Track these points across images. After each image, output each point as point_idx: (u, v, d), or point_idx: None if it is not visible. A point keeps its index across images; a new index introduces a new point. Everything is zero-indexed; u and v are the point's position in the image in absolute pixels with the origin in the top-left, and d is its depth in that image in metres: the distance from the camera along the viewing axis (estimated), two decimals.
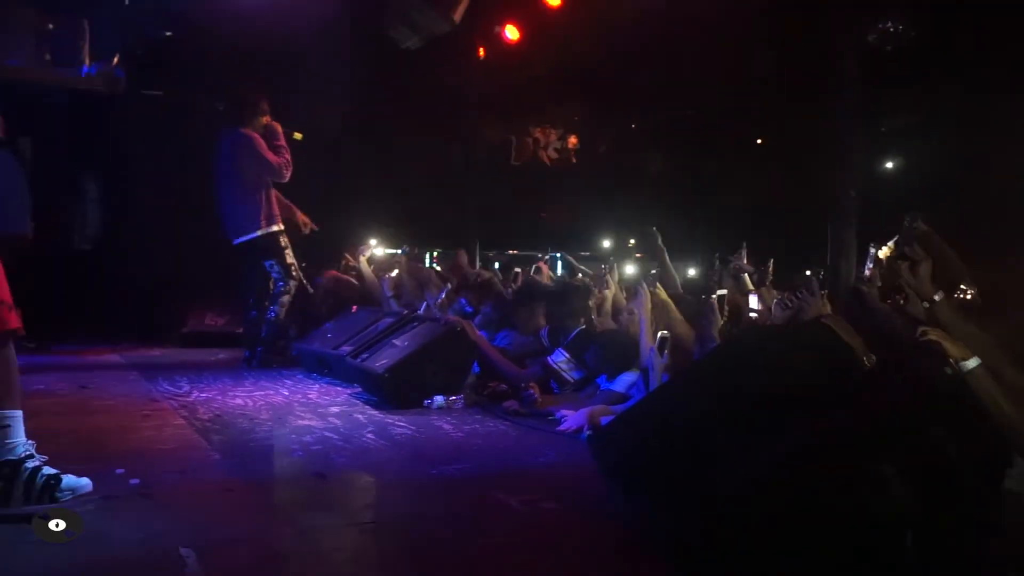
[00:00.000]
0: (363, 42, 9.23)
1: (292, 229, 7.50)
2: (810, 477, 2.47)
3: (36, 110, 8.40)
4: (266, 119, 7.11)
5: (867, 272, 4.92)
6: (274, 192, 7.14)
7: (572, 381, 5.29)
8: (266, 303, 7.11)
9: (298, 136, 7.26)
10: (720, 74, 9.62)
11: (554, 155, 14.48)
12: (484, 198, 12.56)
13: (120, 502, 3.11)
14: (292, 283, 7.11)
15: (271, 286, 7.13)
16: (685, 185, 13.38)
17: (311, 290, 7.63)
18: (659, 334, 4.50)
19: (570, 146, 14.72)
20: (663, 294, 5.06)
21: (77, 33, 8.99)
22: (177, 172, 8.04)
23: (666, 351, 4.42)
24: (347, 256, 8.71)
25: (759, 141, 13.11)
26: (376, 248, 8.89)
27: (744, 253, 6.47)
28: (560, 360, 5.32)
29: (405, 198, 11.15)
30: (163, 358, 7.43)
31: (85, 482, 3.11)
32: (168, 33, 9.79)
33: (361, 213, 10.45)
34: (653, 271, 5.03)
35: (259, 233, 7.01)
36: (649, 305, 4.86)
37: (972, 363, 2.66)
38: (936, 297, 4.17)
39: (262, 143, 7.00)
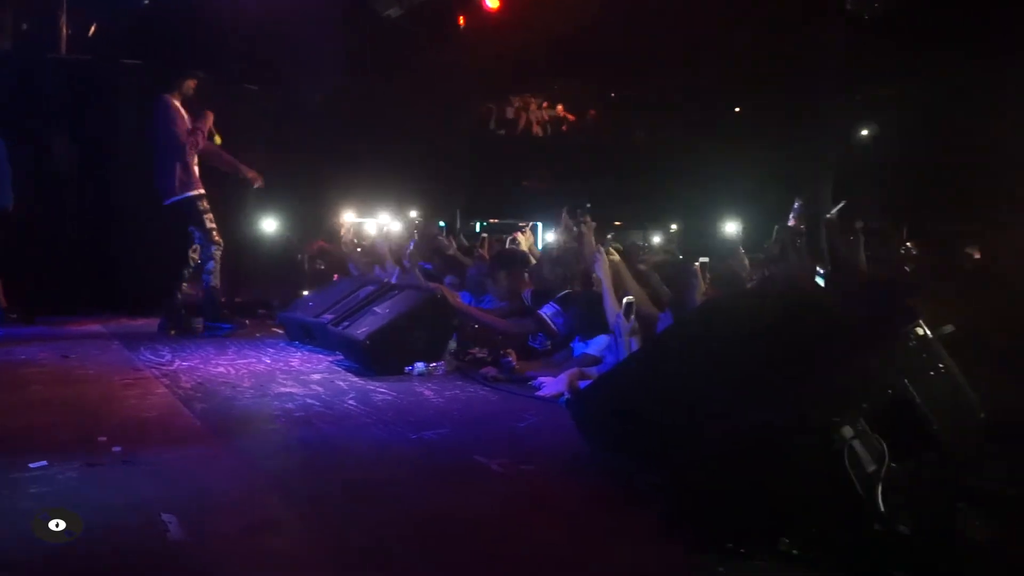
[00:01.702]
0: (347, 13, 9.17)
1: (242, 185, 7.71)
2: (782, 436, 2.51)
3: (13, 79, 8.33)
4: (193, 83, 7.20)
5: (791, 222, 4.97)
6: (192, 157, 7.20)
7: (559, 335, 5.40)
8: (190, 271, 7.29)
9: (218, 140, 7.36)
10: (702, 42, 9.61)
11: (537, 124, 14.46)
12: (465, 167, 12.54)
13: (102, 469, 3.13)
14: (215, 248, 7.18)
15: (196, 256, 7.26)
16: (668, 153, 13.39)
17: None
18: (624, 299, 4.57)
19: (558, 114, 14.73)
20: (616, 256, 5.16)
21: (55, 3, 8.91)
22: None
23: (632, 316, 4.49)
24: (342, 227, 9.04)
25: (736, 110, 13.12)
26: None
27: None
28: (551, 312, 5.44)
29: (387, 168, 11.12)
30: (145, 328, 7.42)
31: None
32: (146, 1, 9.70)
33: (343, 184, 10.44)
34: (609, 235, 5.12)
35: (178, 198, 7.13)
36: (608, 269, 4.96)
37: (948, 328, 2.72)
38: (907, 268, 4.29)
39: (178, 112, 7.14)
